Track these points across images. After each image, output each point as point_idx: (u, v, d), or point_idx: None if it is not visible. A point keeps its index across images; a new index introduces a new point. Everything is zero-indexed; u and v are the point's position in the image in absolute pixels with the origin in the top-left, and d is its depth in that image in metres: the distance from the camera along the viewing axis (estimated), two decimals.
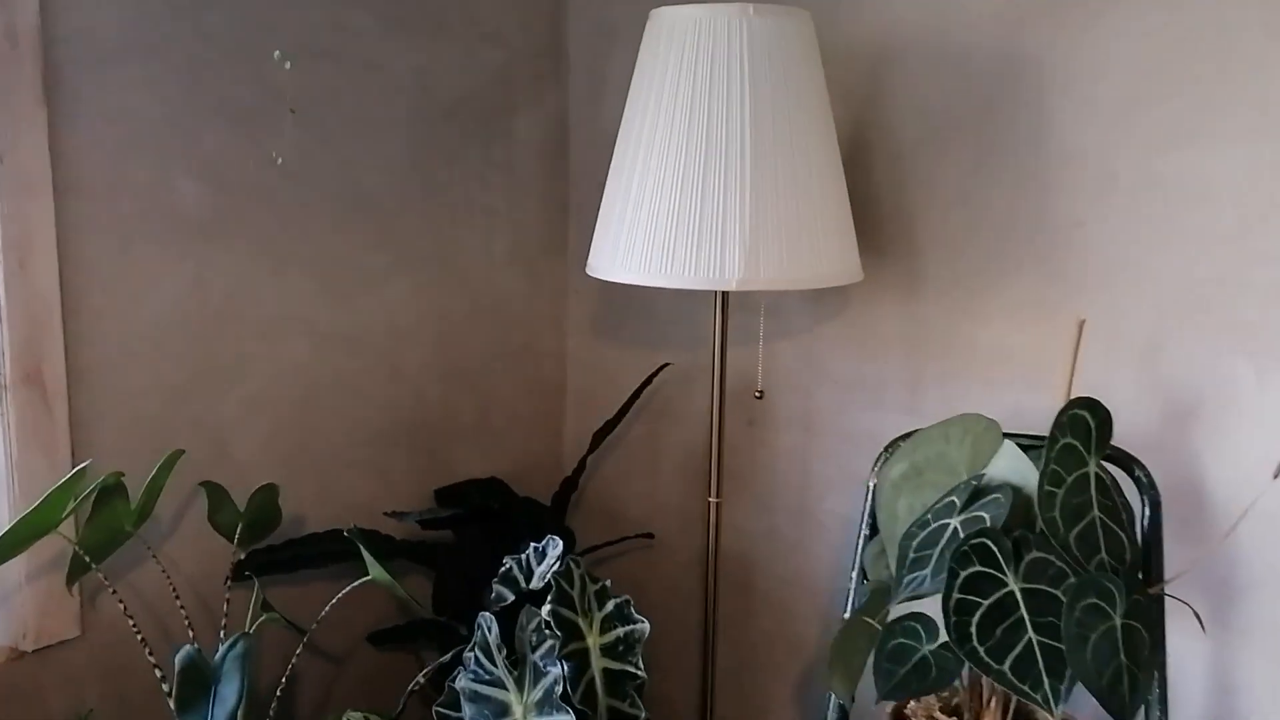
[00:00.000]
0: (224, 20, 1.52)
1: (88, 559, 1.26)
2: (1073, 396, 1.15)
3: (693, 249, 1.36)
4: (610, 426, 1.81)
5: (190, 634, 1.28)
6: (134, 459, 1.45)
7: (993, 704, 1.19)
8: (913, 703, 1.25)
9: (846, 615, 1.35)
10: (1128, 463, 1.27)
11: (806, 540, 1.83)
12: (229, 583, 1.37)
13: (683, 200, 1.37)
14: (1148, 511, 1.25)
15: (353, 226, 1.74)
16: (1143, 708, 1.11)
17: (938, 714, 1.22)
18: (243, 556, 1.43)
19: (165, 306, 1.53)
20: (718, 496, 1.59)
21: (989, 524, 1.09)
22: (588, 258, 1.51)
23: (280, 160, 1.48)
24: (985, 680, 1.20)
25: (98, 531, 1.26)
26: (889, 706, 1.24)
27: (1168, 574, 1.22)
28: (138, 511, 1.29)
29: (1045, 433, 1.28)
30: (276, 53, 1.38)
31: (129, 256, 1.48)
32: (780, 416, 1.82)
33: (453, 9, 1.81)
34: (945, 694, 1.26)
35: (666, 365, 1.85)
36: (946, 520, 1.13)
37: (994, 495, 1.12)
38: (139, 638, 1.27)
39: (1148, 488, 1.26)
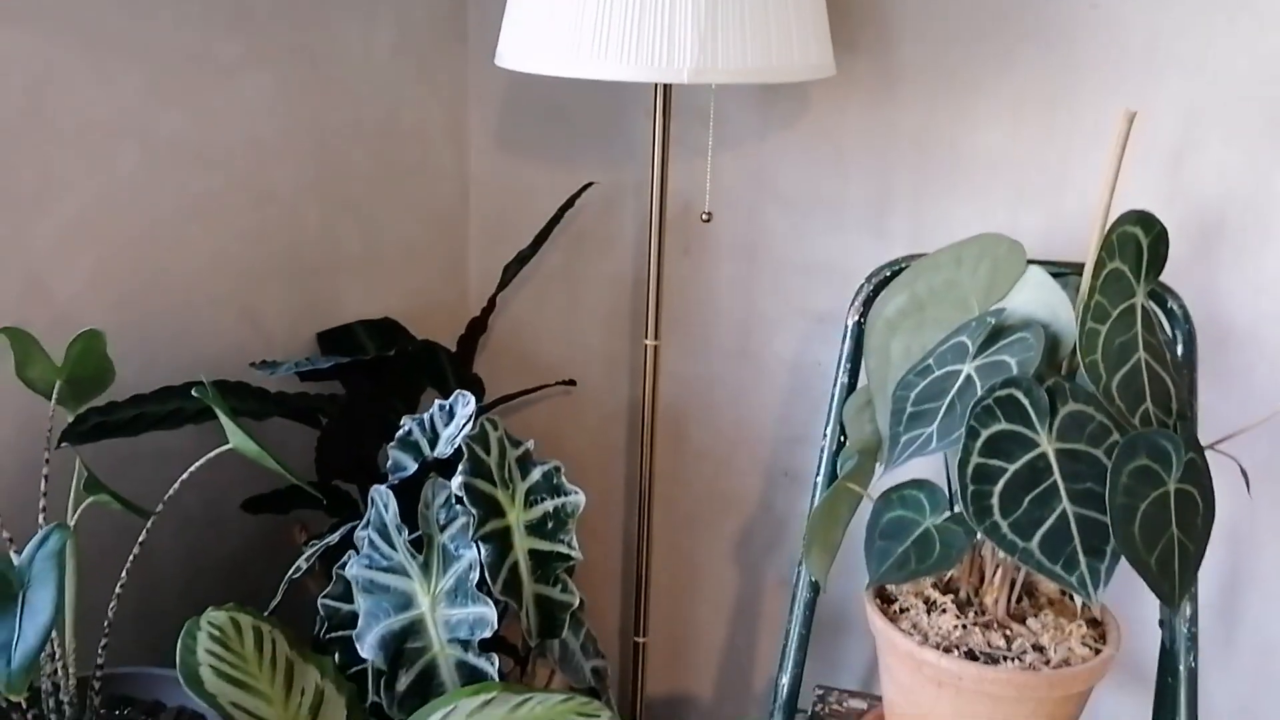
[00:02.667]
0: None
1: None
2: (1110, 209, 0.92)
3: (632, 29, 1.07)
4: (524, 258, 1.53)
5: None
6: None
7: (997, 579, 1.00)
8: None
9: (819, 478, 1.14)
10: (1159, 292, 1.06)
11: (748, 387, 1.61)
12: (48, 453, 1.09)
13: None
14: (1181, 350, 1.04)
15: (195, 4, 1.38)
16: None
17: (930, 592, 1.03)
18: (70, 420, 1.14)
19: None
20: (655, 339, 1.35)
21: (1015, 370, 0.86)
22: (494, 51, 1.21)
23: None
24: (988, 552, 1.01)
25: None
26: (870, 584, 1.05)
27: (1204, 424, 1.03)
28: None
29: (1063, 259, 1.06)
30: None
31: None
32: (721, 243, 1.57)
33: None
34: None
35: (590, 185, 1.56)
36: (957, 366, 0.91)
37: (1019, 334, 0.89)
38: None
39: (1181, 321, 1.05)
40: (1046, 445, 0.85)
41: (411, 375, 1.51)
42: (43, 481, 1.05)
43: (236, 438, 1.01)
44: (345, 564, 1.09)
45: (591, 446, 1.76)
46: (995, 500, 0.84)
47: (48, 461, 1.06)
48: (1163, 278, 1.08)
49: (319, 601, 1.12)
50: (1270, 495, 1.20)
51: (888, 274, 1.14)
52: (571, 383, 1.67)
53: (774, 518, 1.64)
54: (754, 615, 1.70)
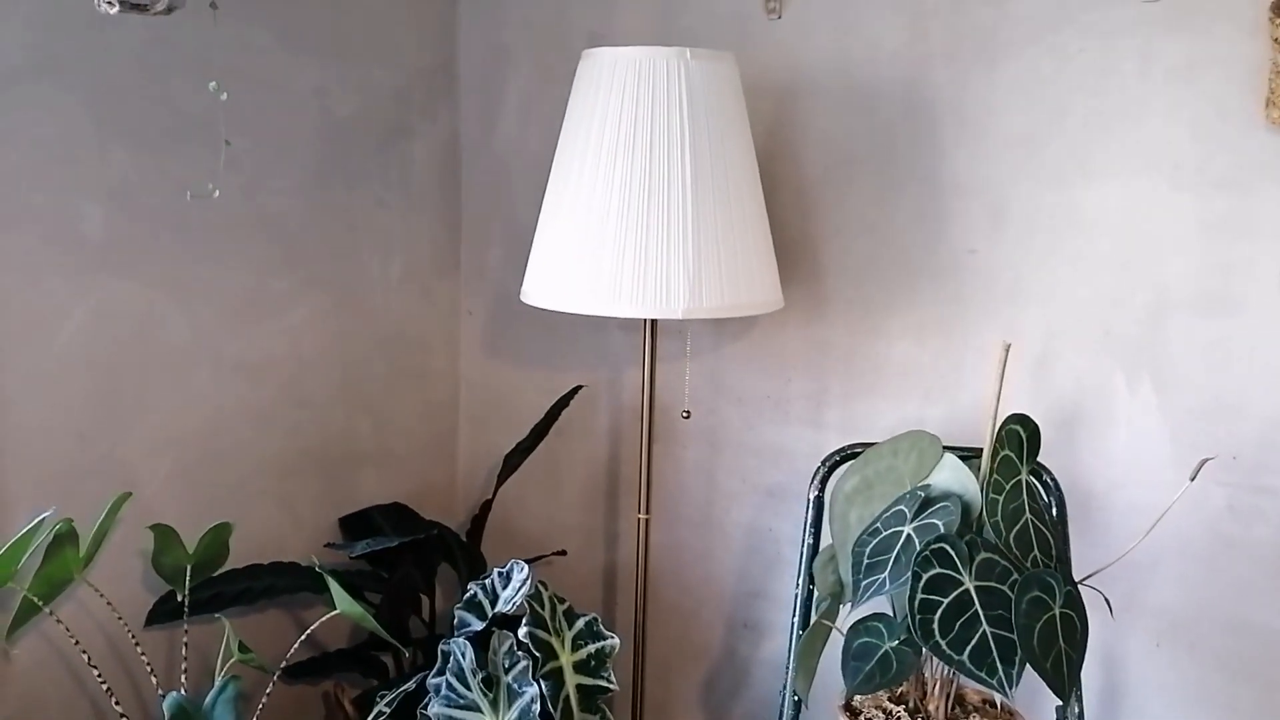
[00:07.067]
0: (129, 40, 1.46)
1: (42, 605, 1.19)
2: (997, 412, 1.28)
3: (639, 280, 1.42)
4: (526, 450, 1.84)
5: (154, 682, 1.22)
6: (44, 500, 1.38)
7: (935, 690, 1.31)
8: (858, 695, 1.35)
9: (795, 619, 1.45)
10: (1036, 469, 1.42)
11: (711, 550, 1.92)
12: (187, 623, 1.32)
13: (627, 234, 1.42)
14: (1054, 511, 1.40)
15: (257, 251, 1.70)
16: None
17: (886, 703, 1.33)
18: (179, 597, 1.38)
19: (72, 340, 1.45)
20: (647, 513, 1.66)
21: (942, 530, 1.20)
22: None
23: (217, 193, 1.43)
24: (928, 670, 1.32)
25: (45, 581, 1.20)
26: (840, 700, 1.34)
27: (1075, 565, 1.38)
28: (85, 557, 1.22)
29: (959, 443, 1.41)
30: (213, 84, 1.35)
31: (37, 289, 1.40)
32: (686, 433, 1.90)
33: (352, 27, 1.80)
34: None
35: (580, 388, 1.89)
36: (899, 528, 1.24)
37: (943, 504, 1.23)
38: (104, 687, 1.20)
39: (1053, 489, 1.41)
40: (969, 583, 1.18)
41: (432, 553, 1.77)
42: (183, 648, 1.28)
43: (344, 603, 1.27)
44: (426, 705, 1.34)
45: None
46: (936, 625, 1.16)
47: (186, 631, 1.29)
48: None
49: None
50: (1129, 623, 1.54)
51: (837, 458, 1.49)
52: (562, 553, 1.96)
53: (737, 664, 1.92)
54: None
